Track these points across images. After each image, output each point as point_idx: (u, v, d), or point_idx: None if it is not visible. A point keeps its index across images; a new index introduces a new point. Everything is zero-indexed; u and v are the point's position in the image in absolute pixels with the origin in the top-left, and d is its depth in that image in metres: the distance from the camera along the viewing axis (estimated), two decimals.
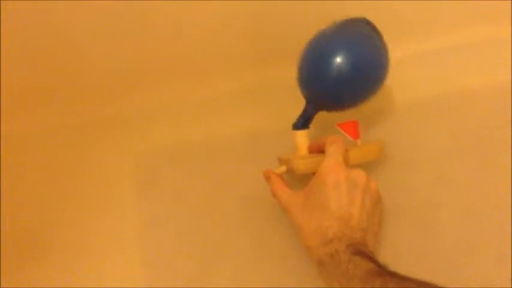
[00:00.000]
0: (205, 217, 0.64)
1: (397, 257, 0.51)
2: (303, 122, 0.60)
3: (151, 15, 0.65)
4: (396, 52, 0.61)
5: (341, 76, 0.56)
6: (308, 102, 0.61)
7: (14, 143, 0.70)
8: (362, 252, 0.47)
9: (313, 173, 0.54)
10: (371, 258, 0.46)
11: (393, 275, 0.44)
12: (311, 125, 0.61)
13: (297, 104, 0.61)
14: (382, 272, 0.45)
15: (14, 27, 0.62)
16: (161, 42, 0.69)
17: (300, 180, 0.59)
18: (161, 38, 0.68)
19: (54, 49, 0.66)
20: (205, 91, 0.73)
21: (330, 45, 0.57)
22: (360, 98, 0.59)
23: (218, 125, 0.71)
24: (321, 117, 0.61)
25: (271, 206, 0.60)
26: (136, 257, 0.62)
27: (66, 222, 0.65)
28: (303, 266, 0.56)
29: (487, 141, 0.62)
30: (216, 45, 0.70)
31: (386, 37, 0.59)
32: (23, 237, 0.64)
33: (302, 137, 0.60)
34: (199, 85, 0.73)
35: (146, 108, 0.73)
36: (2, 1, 0.59)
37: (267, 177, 0.59)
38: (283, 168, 0.59)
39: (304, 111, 0.61)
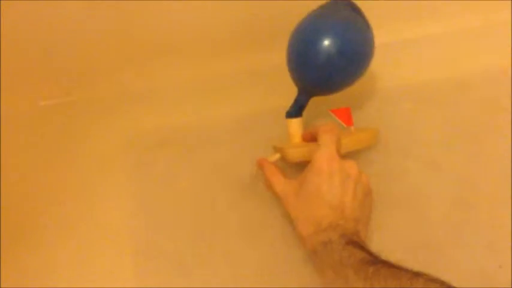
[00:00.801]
0: (195, 201, 0.64)
1: (387, 244, 0.51)
2: (296, 110, 0.61)
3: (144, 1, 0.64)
4: (390, 37, 0.60)
5: (329, 63, 0.56)
6: (300, 91, 0.61)
7: (2, 125, 0.68)
8: (355, 242, 0.47)
9: (308, 161, 0.54)
10: (363, 247, 0.47)
11: (386, 263, 0.45)
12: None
13: (289, 87, 0.61)
14: (375, 260, 0.45)
15: (10, 14, 0.62)
16: (153, 25, 0.68)
17: (294, 167, 0.59)
18: (153, 21, 0.67)
19: (44, 31, 0.65)
20: (197, 74, 0.73)
21: (315, 35, 0.57)
22: (349, 80, 0.60)
23: (209, 108, 0.71)
24: (315, 102, 0.61)
25: (263, 190, 0.61)
26: (126, 241, 0.62)
27: (53, 206, 0.65)
28: (293, 250, 0.57)
29: (480, 128, 0.63)
30: (208, 27, 0.70)
31: (383, 23, 0.59)
32: (11, 221, 0.63)
33: (296, 125, 0.60)
34: (191, 68, 0.73)
35: (136, 91, 0.73)
36: None
37: (261, 166, 0.59)
38: (277, 155, 0.59)
39: (297, 100, 0.61)
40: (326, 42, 0.55)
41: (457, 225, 0.57)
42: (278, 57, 0.60)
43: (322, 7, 0.59)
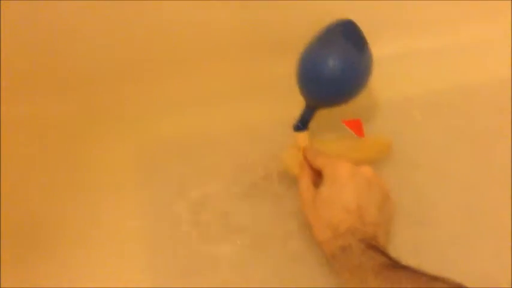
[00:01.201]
0: (200, 204, 0.63)
1: (395, 253, 0.50)
2: (303, 123, 0.62)
3: (152, 7, 0.64)
4: (396, 49, 0.62)
5: (335, 82, 0.60)
6: (307, 106, 0.63)
7: (14, 132, 0.67)
8: (374, 246, 0.47)
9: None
10: (383, 252, 0.47)
11: (406, 268, 0.45)
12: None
13: (297, 97, 0.62)
14: (395, 265, 0.45)
15: (14, 17, 0.61)
16: (161, 35, 0.68)
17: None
18: (162, 31, 0.68)
19: (55, 39, 0.65)
20: (207, 83, 0.73)
21: (321, 58, 0.61)
22: (352, 96, 0.63)
23: (219, 118, 0.71)
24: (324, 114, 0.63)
25: (270, 197, 0.61)
26: (138, 248, 0.61)
27: (66, 213, 0.64)
28: (307, 252, 0.57)
29: (486, 138, 0.64)
30: (217, 38, 0.70)
31: (388, 33, 0.61)
32: (22, 228, 0.62)
33: (302, 139, 0.62)
34: (196, 76, 0.73)
35: (147, 99, 0.72)
36: None
37: (305, 153, 0.59)
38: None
39: (303, 114, 0.63)
40: (330, 63, 0.60)
41: (465, 234, 0.57)
42: (285, 67, 0.62)
43: (323, 32, 0.62)
